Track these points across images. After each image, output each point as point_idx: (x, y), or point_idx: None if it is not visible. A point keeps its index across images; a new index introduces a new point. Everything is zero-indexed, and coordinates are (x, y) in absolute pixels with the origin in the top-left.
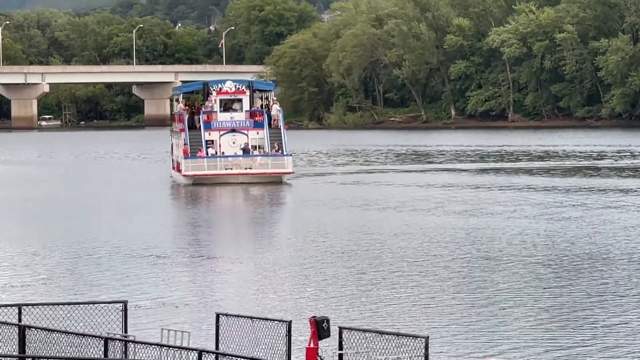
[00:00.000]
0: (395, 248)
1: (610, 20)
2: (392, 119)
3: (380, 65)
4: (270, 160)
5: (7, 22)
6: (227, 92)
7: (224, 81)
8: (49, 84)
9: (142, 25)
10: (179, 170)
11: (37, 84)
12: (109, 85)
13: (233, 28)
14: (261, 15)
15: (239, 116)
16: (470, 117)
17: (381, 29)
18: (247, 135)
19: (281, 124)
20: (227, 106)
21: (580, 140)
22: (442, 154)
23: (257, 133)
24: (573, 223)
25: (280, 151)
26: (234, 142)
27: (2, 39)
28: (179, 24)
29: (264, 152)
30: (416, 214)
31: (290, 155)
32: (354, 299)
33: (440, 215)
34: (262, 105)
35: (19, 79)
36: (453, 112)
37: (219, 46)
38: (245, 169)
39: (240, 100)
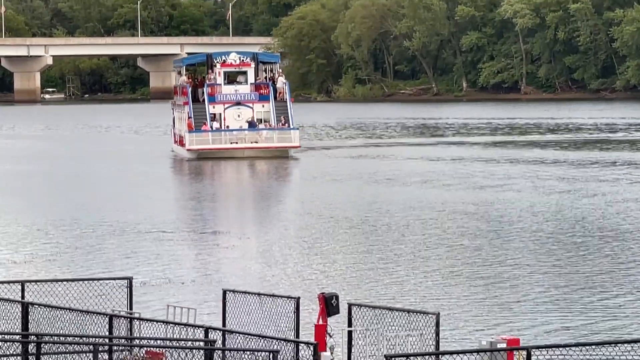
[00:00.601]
0: (404, 223)
1: None
2: (403, 91)
3: (390, 37)
4: (277, 133)
5: None
6: (231, 65)
7: (227, 53)
8: (52, 56)
9: None
10: (182, 145)
11: (40, 56)
12: (113, 58)
13: None
14: None
15: (244, 89)
16: (482, 90)
17: None
18: (252, 108)
19: (287, 96)
20: (231, 79)
21: (594, 113)
22: (453, 127)
23: (263, 106)
24: (584, 197)
25: (286, 125)
26: (239, 116)
27: (4, 11)
28: None
29: (269, 126)
30: (425, 188)
31: (297, 128)
32: (363, 275)
33: (450, 190)
34: (267, 78)
35: (22, 52)
36: (464, 85)
37: (226, 18)
38: (251, 143)
39: (244, 73)
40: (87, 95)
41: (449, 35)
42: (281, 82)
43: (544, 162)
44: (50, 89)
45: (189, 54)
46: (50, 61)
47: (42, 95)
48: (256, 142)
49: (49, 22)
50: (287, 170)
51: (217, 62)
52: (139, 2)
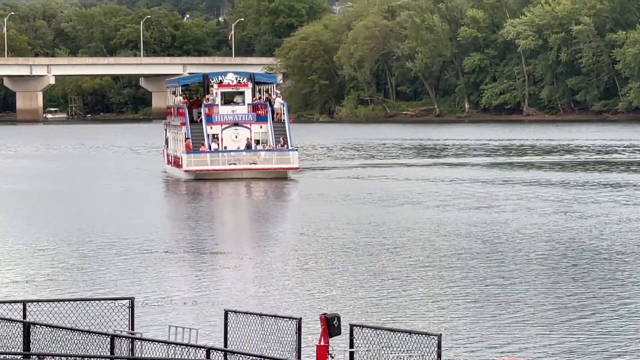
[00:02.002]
0: (404, 243)
1: (627, 12)
2: (405, 112)
3: (392, 58)
4: (275, 155)
5: (12, 13)
6: (228, 85)
7: (224, 73)
8: (55, 76)
9: (149, 17)
10: (178, 165)
11: (43, 76)
12: (115, 78)
13: (242, 19)
14: (271, 6)
15: (241, 109)
16: (485, 111)
17: (393, 20)
18: (250, 129)
19: (285, 117)
20: (228, 99)
21: (595, 135)
22: (453, 148)
23: (261, 127)
24: (586, 218)
25: (285, 146)
26: (236, 137)
27: (7, 30)
28: (187, 15)
29: (268, 147)
30: (424, 209)
31: (296, 150)
32: (364, 295)
33: (449, 210)
34: (265, 99)
35: (24, 71)
36: (467, 106)
37: (228, 38)
38: (249, 164)
39: (242, 93)
40: (89, 115)
41: (451, 56)
42: (279, 102)
43: (543, 184)
44: (52, 109)
45: (190, 74)
46: (52, 81)
47: (44, 115)
48: (254, 164)
49: (52, 42)
50: (286, 192)
51: (214, 82)
52: (141, 23)
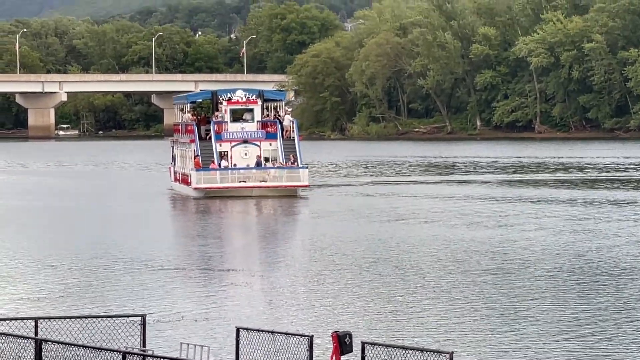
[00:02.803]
0: (416, 261)
1: (639, 29)
2: (417, 129)
3: (404, 75)
4: (285, 172)
5: (25, 30)
6: (237, 102)
7: (233, 90)
8: (67, 92)
9: (161, 34)
10: (186, 183)
11: (55, 92)
12: (127, 95)
13: (254, 37)
14: (283, 23)
15: (250, 127)
16: (496, 128)
17: (405, 38)
18: (259, 146)
19: (295, 134)
20: (237, 116)
21: (607, 152)
22: (465, 166)
23: (270, 144)
24: (595, 236)
25: (295, 163)
26: (245, 154)
27: (20, 47)
28: (199, 32)
29: (278, 164)
30: (435, 227)
31: (306, 167)
32: (376, 313)
33: (460, 228)
34: (274, 116)
35: (36, 88)
36: (479, 123)
37: (240, 55)
38: (259, 181)
39: (251, 110)
40: (101, 132)
41: (463, 73)
42: (288, 120)
43: (553, 201)
44: (64, 125)
45: (202, 90)
46: (64, 97)
47: (56, 132)
48: (264, 181)
49: (64, 59)
50: (296, 209)
51: (223, 99)
52: (153, 40)
